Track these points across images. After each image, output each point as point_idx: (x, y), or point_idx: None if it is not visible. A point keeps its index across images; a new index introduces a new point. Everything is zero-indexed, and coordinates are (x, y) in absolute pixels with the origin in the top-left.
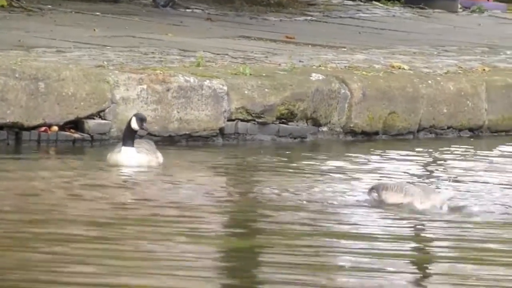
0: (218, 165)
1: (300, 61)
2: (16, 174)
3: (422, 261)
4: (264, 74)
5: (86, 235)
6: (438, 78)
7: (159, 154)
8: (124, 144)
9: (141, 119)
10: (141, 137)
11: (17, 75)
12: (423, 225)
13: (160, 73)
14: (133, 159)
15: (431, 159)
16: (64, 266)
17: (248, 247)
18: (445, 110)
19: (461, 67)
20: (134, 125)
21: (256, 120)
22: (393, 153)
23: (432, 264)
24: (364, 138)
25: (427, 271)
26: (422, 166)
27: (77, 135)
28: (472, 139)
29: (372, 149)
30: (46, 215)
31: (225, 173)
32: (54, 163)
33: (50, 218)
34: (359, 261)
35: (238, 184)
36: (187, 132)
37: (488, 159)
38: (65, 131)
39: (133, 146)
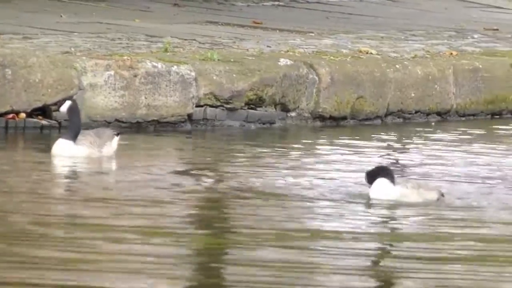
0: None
1: (268, 46)
2: None
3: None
4: (232, 60)
5: None
6: (406, 63)
7: (107, 147)
8: (62, 136)
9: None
10: (109, 124)
11: None
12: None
13: (128, 59)
14: (66, 151)
15: (398, 145)
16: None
17: (213, 244)
18: (413, 94)
19: (429, 51)
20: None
21: (225, 105)
22: (360, 139)
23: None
24: (332, 123)
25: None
26: (389, 152)
27: (44, 122)
28: (434, 124)
29: (340, 135)
30: None
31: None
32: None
33: None
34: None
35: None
36: (155, 118)
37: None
38: (33, 117)
39: (71, 138)
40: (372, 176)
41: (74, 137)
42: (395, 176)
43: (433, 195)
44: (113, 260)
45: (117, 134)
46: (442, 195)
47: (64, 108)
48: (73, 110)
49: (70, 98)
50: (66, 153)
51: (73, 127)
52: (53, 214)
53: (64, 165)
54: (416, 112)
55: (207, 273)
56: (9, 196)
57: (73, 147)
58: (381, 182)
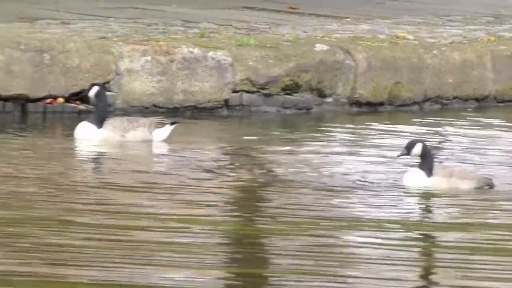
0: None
1: (304, 32)
2: None
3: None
4: (268, 45)
5: None
6: (443, 48)
7: (133, 133)
8: (87, 119)
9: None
10: (146, 109)
11: (22, 47)
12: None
13: (164, 44)
14: (87, 134)
15: (436, 131)
16: None
17: (252, 232)
18: (450, 80)
19: (466, 37)
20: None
21: (261, 91)
22: (398, 125)
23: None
24: (369, 109)
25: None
26: (428, 138)
27: (82, 107)
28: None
29: (377, 121)
30: None
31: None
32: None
33: None
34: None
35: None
36: (192, 104)
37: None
38: (71, 102)
39: (94, 121)
40: (409, 147)
41: (97, 121)
42: (432, 162)
43: (468, 184)
44: (151, 249)
45: (172, 123)
46: (490, 185)
47: (91, 93)
48: (100, 95)
49: (98, 83)
50: (87, 136)
51: (98, 111)
52: (85, 202)
53: (94, 150)
54: (453, 98)
55: (245, 263)
56: (40, 182)
57: (94, 130)
58: (412, 171)
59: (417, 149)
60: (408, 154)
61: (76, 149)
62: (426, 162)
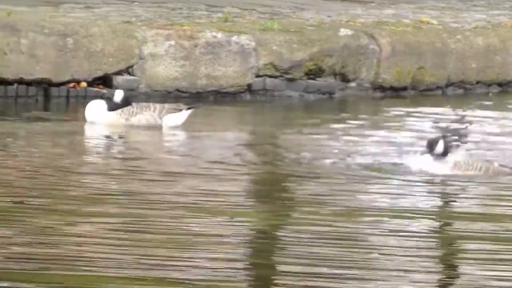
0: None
1: (328, 16)
2: None
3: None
4: (292, 30)
5: None
6: (467, 33)
7: (140, 117)
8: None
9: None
10: (169, 93)
11: (45, 31)
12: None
13: (188, 29)
14: (92, 115)
15: (459, 115)
16: None
17: (274, 221)
18: (473, 65)
19: (490, 22)
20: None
21: (284, 76)
22: (422, 109)
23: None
24: (392, 93)
25: None
26: (450, 123)
27: (105, 91)
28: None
29: (401, 105)
30: None
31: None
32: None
33: None
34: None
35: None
36: (215, 89)
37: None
38: (94, 87)
39: (107, 104)
40: (431, 145)
41: (109, 105)
42: (449, 148)
43: (478, 170)
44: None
45: (188, 108)
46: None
47: (117, 98)
48: (126, 100)
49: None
50: (94, 119)
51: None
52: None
53: (106, 134)
54: (477, 82)
55: (264, 253)
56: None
57: (103, 113)
58: (426, 158)
59: (440, 147)
60: (431, 152)
61: (86, 134)
62: (444, 154)
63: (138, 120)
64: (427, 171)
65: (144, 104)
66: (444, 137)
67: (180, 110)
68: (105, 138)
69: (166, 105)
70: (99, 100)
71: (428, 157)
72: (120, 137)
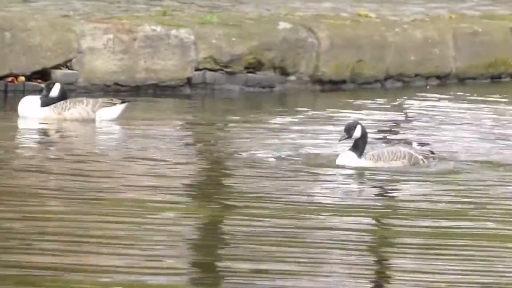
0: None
1: (267, 10)
2: None
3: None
4: (231, 23)
5: None
6: (405, 26)
7: (72, 111)
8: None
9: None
10: (108, 87)
11: None
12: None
13: (127, 23)
14: (23, 109)
15: (397, 109)
16: None
17: (212, 218)
18: (412, 58)
19: (428, 15)
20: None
21: (224, 69)
22: (360, 103)
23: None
24: (332, 87)
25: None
26: (389, 116)
27: (43, 85)
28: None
29: (339, 99)
30: None
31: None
32: None
33: None
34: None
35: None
36: (154, 82)
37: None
38: (32, 81)
39: (41, 99)
40: (349, 130)
41: (43, 100)
42: (365, 144)
43: (397, 164)
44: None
45: (122, 102)
46: (424, 159)
47: (54, 92)
48: (63, 94)
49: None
50: (28, 114)
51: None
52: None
53: (39, 129)
54: (415, 75)
55: (203, 250)
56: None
57: (36, 109)
58: (345, 153)
59: (357, 131)
60: (349, 137)
61: (21, 128)
62: (361, 143)
63: (71, 114)
64: (339, 162)
65: (78, 98)
66: (360, 122)
67: (114, 104)
68: (37, 133)
69: (100, 100)
70: (32, 96)
71: (352, 150)
72: (56, 132)
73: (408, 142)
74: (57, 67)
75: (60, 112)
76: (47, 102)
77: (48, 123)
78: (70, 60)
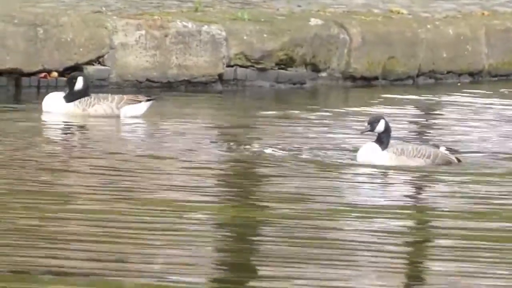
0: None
1: (298, 6)
2: None
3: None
4: (262, 19)
5: None
6: (437, 23)
7: (96, 107)
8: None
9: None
10: (140, 83)
11: (16, 21)
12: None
13: (158, 19)
14: (48, 105)
15: (430, 106)
16: None
17: (244, 217)
18: (444, 55)
19: (460, 11)
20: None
21: (255, 66)
22: (391, 100)
23: None
24: (363, 83)
25: None
26: (422, 112)
27: None
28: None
29: (371, 95)
30: None
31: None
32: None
33: None
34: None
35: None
36: (186, 78)
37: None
38: (65, 77)
39: (65, 95)
40: (372, 124)
41: (67, 96)
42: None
43: (419, 162)
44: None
45: (148, 100)
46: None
47: (78, 85)
48: (86, 89)
49: (82, 73)
50: (53, 109)
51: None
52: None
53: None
54: (447, 72)
55: (232, 251)
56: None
57: (61, 104)
58: (370, 145)
59: (381, 125)
60: (372, 130)
61: (45, 125)
62: (385, 137)
63: (95, 110)
64: (360, 157)
65: (102, 95)
66: (384, 117)
67: (140, 101)
68: (61, 129)
69: (125, 96)
70: (57, 92)
71: (375, 142)
72: (79, 128)
73: (436, 146)
74: (90, 63)
75: (85, 108)
76: (71, 97)
77: (72, 119)
78: (103, 56)
